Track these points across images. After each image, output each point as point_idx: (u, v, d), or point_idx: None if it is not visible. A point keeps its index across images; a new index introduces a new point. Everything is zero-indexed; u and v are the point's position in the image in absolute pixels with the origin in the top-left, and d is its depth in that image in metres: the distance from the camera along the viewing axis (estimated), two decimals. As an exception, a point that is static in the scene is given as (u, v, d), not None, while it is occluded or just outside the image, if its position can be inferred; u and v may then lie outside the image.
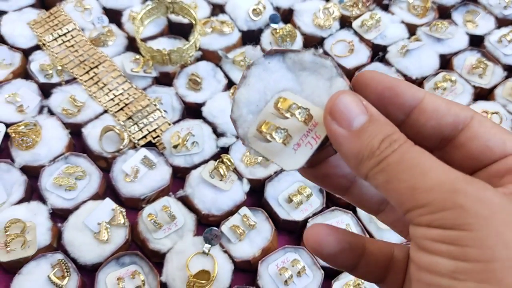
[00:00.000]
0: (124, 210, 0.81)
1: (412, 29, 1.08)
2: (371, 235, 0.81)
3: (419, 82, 1.00)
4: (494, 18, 1.12)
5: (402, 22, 1.09)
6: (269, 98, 0.37)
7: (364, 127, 0.31)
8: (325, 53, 1.03)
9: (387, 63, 1.02)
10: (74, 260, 0.77)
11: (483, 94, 1.01)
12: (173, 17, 1.05)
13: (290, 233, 0.85)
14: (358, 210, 0.83)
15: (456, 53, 1.05)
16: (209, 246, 0.76)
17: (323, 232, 0.38)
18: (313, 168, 0.39)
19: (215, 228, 0.78)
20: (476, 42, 1.08)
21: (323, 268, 0.78)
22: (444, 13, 1.13)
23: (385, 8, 1.13)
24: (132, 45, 1.02)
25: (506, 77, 1.02)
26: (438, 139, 0.35)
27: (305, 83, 0.37)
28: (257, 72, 0.37)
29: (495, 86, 1.01)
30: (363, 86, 0.35)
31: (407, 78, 1.00)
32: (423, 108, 0.34)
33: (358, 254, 0.39)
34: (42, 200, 0.82)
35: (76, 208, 0.81)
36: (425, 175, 0.29)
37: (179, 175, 0.88)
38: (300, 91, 0.36)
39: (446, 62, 1.05)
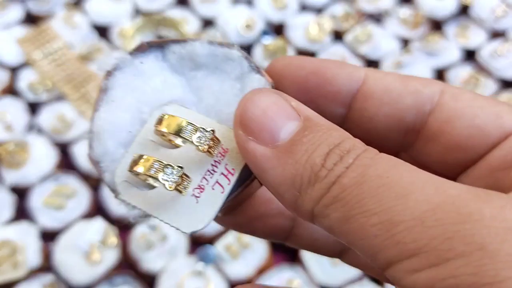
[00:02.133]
0: (115, 229, 0.79)
1: (404, 43, 1.08)
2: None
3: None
4: (485, 31, 1.12)
5: (394, 35, 1.09)
6: (146, 117, 0.25)
7: (297, 137, 0.20)
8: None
9: (380, 77, 1.02)
10: (65, 281, 0.75)
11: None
12: (163, 31, 1.04)
13: (285, 250, 0.84)
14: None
15: (448, 67, 1.05)
16: (203, 265, 0.75)
17: None
18: (233, 214, 0.28)
19: (209, 246, 0.76)
20: (468, 55, 1.08)
21: (320, 286, 0.77)
22: (436, 26, 1.13)
23: (377, 22, 1.13)
24: (122, 61, 1.01)
25: (499, 91, 1.01)
26: (400, 133, 0.24)
27: (202, 89, 0.25)
28: (124, 80, 0.25)
29: (488, 99, 1.00)
30: (280, 80, 0.25)
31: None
32: (369, 92, 0.24)
33: None
34: (32, 220, 0.80)
35: (67, 228, 0.79)
36: (407, 198, 0.18)
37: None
38: (197, 101, 0.25)
39: (439, 76, 1.04)
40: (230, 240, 0.79)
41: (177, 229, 0.23)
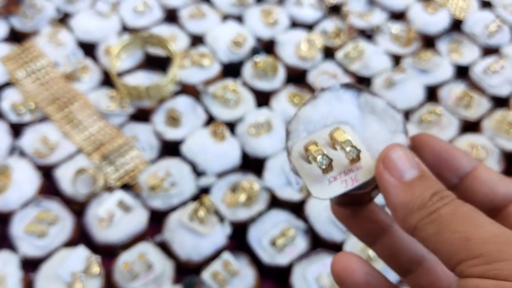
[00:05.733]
0: (99, 257, 0.77)
1: (396, 60, 1.06)
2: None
3: (405, 115, 0.98)
4: (479, 48, 1.10)
5: (386, 52, 1.07)
6: (328, 123, 0.37)
7: (415, 180, 0.32)
8: (308, 86, 1.01)
9: (372, 95, 1.00)
10: (46, 314, 0.72)
11: (469, 126, 0.98)
12: (150, 49, 1.02)
13: (274, 277, 0.82)
14: (347, 248, 0.80)
15: (441, 84, 1.03)
16: (189, 295, 0.73)
17: (352, 259, 0.36)
18: (345, 207, 0.39)
19: (195, 275, 0.74)
20: (461, 72, 1.06)
21: (310, 315, 0.74)
22: (428, 42, 1.11)
23: (369, 38, 1.11)
24: (108, 80, 0.98)
25: (492, 109, 1.00)
26: (488, 208, 0.35)
27: (368, 126, 0.37)
28: (328, 97, 0.38)
29: (481, 118, 0.98)
30: (421, 145, 0.37)
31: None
32: (477, 176, 0.36)
33: None
34: (12, 248, 0.78)
35: (49, 256, 0.77)
36: (479, 227, 0.29)
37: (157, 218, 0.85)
38: (361, 131, 0.37)
39: (431, 94, 1.02)
40: (217, 268, 0.77)
41: (310, 192, 0.34)
